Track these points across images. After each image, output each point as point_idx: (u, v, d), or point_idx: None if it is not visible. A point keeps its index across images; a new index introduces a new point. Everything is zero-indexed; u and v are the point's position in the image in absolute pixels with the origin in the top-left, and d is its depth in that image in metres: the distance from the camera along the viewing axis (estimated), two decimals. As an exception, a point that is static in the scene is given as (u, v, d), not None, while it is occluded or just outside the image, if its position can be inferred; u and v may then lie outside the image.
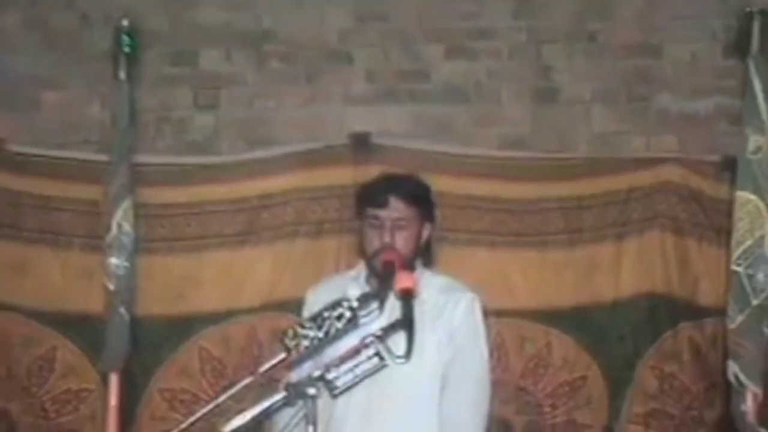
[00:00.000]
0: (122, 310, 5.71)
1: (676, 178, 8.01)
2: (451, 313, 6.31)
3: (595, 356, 8.10)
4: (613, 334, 8.13)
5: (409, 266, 6.07)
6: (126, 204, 5.65)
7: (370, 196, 6.31)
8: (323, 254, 7.74)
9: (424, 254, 6.36)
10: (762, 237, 5.16)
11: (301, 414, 5.43)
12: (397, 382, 6.01)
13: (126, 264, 5.65)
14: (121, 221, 5.65)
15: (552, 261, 8.13)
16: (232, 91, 8.59)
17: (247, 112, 8.59)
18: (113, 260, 5.63)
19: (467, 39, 8.64)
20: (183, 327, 8.01)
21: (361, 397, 6.00)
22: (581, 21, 8.62)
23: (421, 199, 6.32)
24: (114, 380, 5.65)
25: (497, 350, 7.62)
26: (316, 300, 6.15)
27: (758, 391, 5.22)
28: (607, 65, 8.62)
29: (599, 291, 8.10)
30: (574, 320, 8.10)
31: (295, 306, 6.70)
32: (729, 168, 5.79)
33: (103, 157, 5.94)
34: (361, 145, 7.89)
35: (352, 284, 6.19)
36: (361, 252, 6.35)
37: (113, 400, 5.66)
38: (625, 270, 8.13)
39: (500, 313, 7.29)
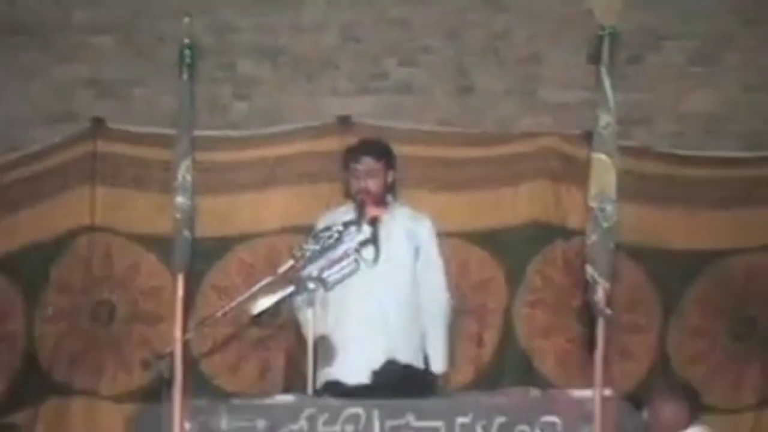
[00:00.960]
0: (186, 232, 5.60)
1: (555, 145, 8.15)
2: (418, 232, 6.54)
3: (501, 263, 8.23)
4: (513, 248, 8.26)
5: (380, 202, 6.42)
6: (187, 162, 5.56)
7: (351, 155, 6.60)
8: (320, 195, 7.75)
9: (390, 191, 6.55)
10: (609, 183, 5.04)
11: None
12: (380, 279, 6.30)
13: (188, 202, 5.54)
14: (185, 173, 5.55)
15: (474, 199, 8.25)
16: (258, 87, 8.72)
17: (267, 102, 8.72)
18: (179, 199, 5.54)
19: (413, 53, 8.77)
20: (226, 244, 8.18)
21: (359, 290, 6.27)
22: (492, 40, 8.71)
23: (385, 156, 6.57)
24: (180, 279, 5.53)
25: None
26: (320, 225, 6.40)
27: (607, 285, 5.10)
28: (508, 70, 8.70)
29: (504, 219, 8.22)
30: (489, 239, 8.24)
31: (301, 230, 7.00)
32: (588, 138, 5.58)
33: (173, 132, 5.78)
34: (344, 123, 8.06)
35: (342, 215, 6.38)
36: (347, 194, 6.63)
37: (180, 292, 5.52)
38: (520, 205, 8.24)
39: (440, 234, 6.93)
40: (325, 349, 6.41)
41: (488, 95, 8.81)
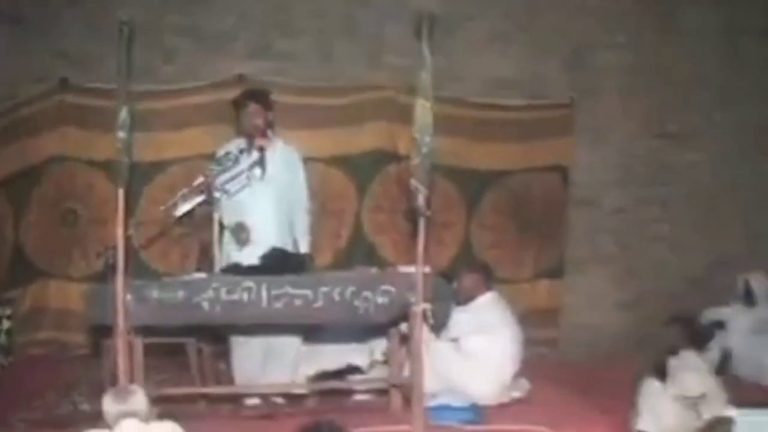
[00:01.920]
0: (125, 158, 6.03)
1: (391, 95, 9.62)
2: (290, 157, 7.65)
3: (352, 180, 9.81)
4: (360, 169, 9.82)
5: (264, 135, 7.50)
6: (125, 107, 5.96)
7: (241, 101, 7.60)
8: (223, 131, 8.49)
9: (270, 127, 7.59)
10: (427, 122, 5.87)
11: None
12: (266, 189, 7.42)
13: (126, 136, 5.95)
14: (124, 116, 5.95)
15: (332, 134, 9.72)
16: (179, 54, 9.76)
17: (186, 65, 9.78)
18: (120, 134, 5.93)
19: (292, 29, 9.98)
20: (159, 167, 9.44)
21: (252, 197, 7.36)
22: (350, 20, 10.00)
23: (265, 99, 7.62)
24: (121, 192, 6.02)
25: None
26: (221, 152, 7.52)
27: (426, 194, 5.92)
28: (360, 41, 10.03)
29: (354, 148, 9.77)
30: (343, 163, 9.77)
31: (210, 156, 7.88)
32: (414, 90, 6.03)
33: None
34: (240, 80, 9.17)
35: (237, 145, 7.50)
36: (240, 130, 7.66)
37: (121, 201, 6.04)
38: (365, 138, 9.79)
39: (308, 159, 8.14)
40: (242, 240, 7.44)
41: (345, 60, 9.98)
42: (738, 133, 10.82)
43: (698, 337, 7.60)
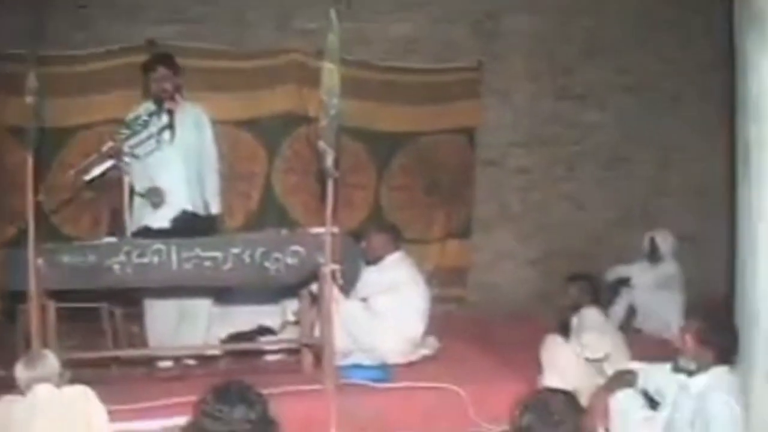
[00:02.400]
0: (33, 123, 6.03)
1: (300, 59, 9.62)
2: (199, 119, 7.67)
3: (262, 142, 9.87)
4: (271, 131, 9.84)
5: (173, 99, 7.48)
6: (33, 73, 5.96)
7: (150, 65, 7.61)
8: (133, 95, 8.26)
9: (179, 91, 7.56)
10: (334, 84, 5.89)
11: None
12: (175, 153, 7.43)
13: (33, 101, 5.95)
14: (32, 81, 5.94)
15: (243, 97, 9.70)
16: (91, 21, 9.56)
17: (98, 32, 9.55)
18: (29, 98, 5.91)
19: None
20: (70, 132, 9.27)
21: (161, 161, 7.38)
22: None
23: (173, 63, 7.58)
24: (30, 158, 5.99)
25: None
26: (131, 116, 7.42)
27: (333, 155, 6.00)
28: (271, 6, 10.01)
29: (264, 111, 9.78)
30: (253, 126, 9.81)
31: (119, 121, 7.69)
32: (322, 54, 6.03)
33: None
34: (151, 45, 9.07)
35: (147, 109, 7.44)
36: (148, 94, 7.60)
37: (30, 167, 6.02)
38: (275, 101, 9.77)
39: (218, 122, 8.11)
40: (155, 202, 7.41)
41: (257, 26, 10.00)
42: (639, 93, 11.12)
43: (598, 294, 7.57)
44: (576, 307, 7.51)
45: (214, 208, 7.87)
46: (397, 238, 8.15)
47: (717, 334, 5.49)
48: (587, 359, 7.04)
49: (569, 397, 4.54)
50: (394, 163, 10.39)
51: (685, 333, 5.55)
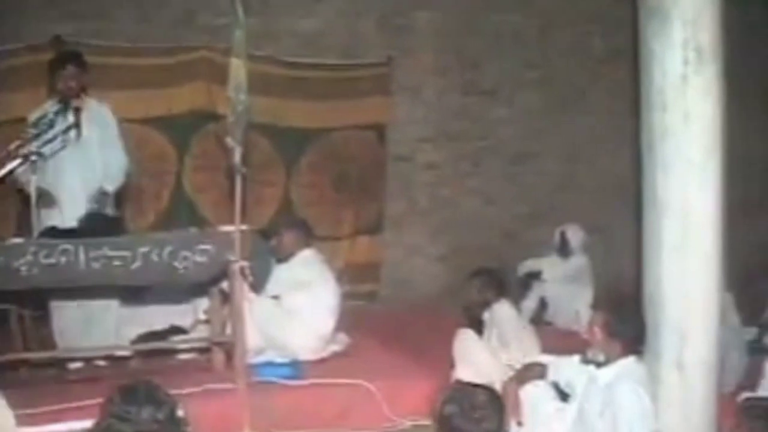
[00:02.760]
0: None
1: (207, 55, 9.52)
2: (105, 117, 7.60)
3: (171, 140, 9.80)
4: (179, 129, 9.79)
5: (79, 97, 7.41)
6: None
7: (57, 63, 7.53)
8: (40, 95, 8.15)
9: (85, 90, 7.48)
10: (241, 80, 5.92)
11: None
12: (81, 151, 7.37)
13: None
14: None
15: (150, 95, 9.59)
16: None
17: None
18: None
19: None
20: None
21: (68, 160, 7.31)
22: None
23: (80, 61, 7.52)
24: None
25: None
26: (37, 115, 7.29)
27: (241, 151, 6.00)
28: (175, 4, 9.88)
29: (172, 109, 9.68)
30: (161, 124, 9.73)
31: (26, 120, 7.40)
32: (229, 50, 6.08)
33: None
34: (57, 41, 8.90)
35: (52, 107, 7.34)
36: (56, 91, 7.48)
37: None
38: (183, 98, 9.69)
39: (125, 120, 8.14)
40: (46, 203, 7.27)
41: (163, 22, 9.86)
42: (546, 87, 11.22)
43: (503, 288, 7.65)
44: (485, 302, 7.52)
45: (121, 207, 7.92)
46: (308, 235, 8.15)
47: (624, 326, 5.56)
48: (498, 351, 7.12)
49: (493, 394, 4.55)
50: (304, 160, 10.37)
51: (593, 325, 5.62)
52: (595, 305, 5.92)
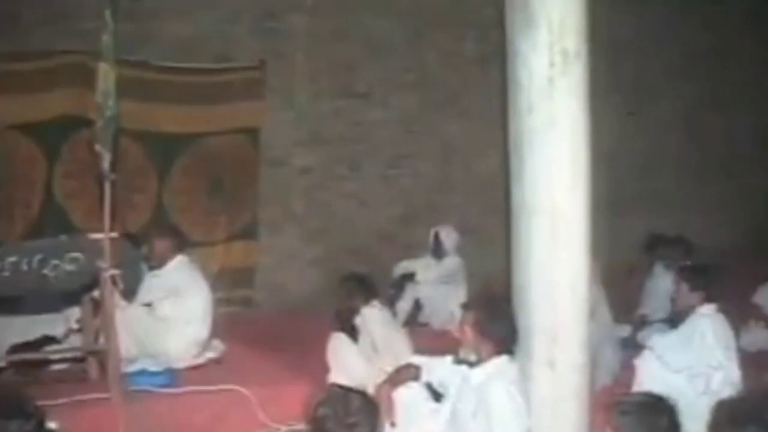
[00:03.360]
0: None
1: (80, 60, 9.21)
2: None
3: (41, 147, 9.58)
4: (50, 136, 9.53)
5: None
6: None
7: None
8: None
9: None
10: (110, 85, 6.09)
11: None
12: None
13: None
14: None
15: (27, 100, 9.36)
16: None
17: None
18: None
19: None
20: None
21: None
22: None
23: None
24: None
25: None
26: None
27: (110, 156, 6.18)
28: (51, 6, 9.62)
29: (45, 114, 9.43)
30: (30, 130, 9.46)
31: None
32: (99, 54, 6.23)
33: None
34: None
35: None
36: None
37: None
38: (53, 104, 9.45)
39: None
40: None
41: (34, 25, 9.55)
42: (421, 90, 11.32)
43: (372, 293, 7.75)
44: (355, 307, 7.60)
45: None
46: (181, 242, 8.24)
47: (494, 325, 5.67)
48: (371, 354, 7.23)
49: (367, 399, 4.53)
50: (177, 165, 10.28)
51: (464, 325, 5.72)
52: (466, 305, 5.97)
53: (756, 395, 2.83)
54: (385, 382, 5.99)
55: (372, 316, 7.53)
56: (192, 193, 10.35)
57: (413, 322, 9.37)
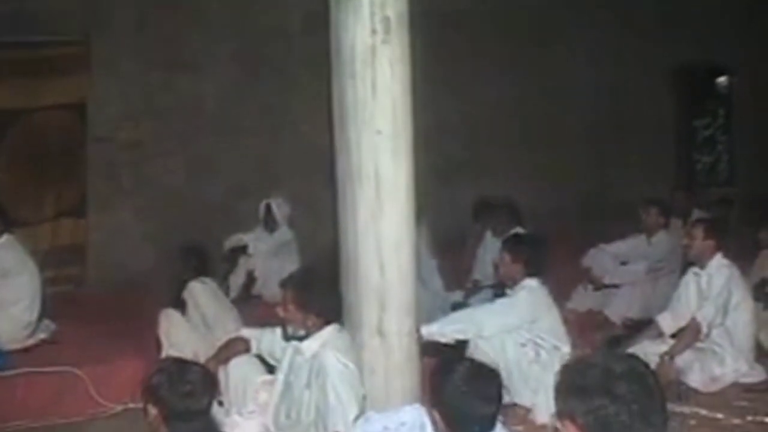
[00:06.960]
0: None
1: None
2: None
3: None
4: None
5: None
6: None
7: None
8: None
9: None
10: None
11: None
12: None
13: None
14: None
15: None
16: None
17: None
18: None
19: None
20: None
21: None
22: None
23: None
24: None
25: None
26: None
27: None
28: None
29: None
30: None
31: None
32: None
33: None
34: None
35: None
36: None
37: None
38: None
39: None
40: None
41: None
42: (246, 63, 11.47)
43: (205, 265, 8.01)
44: (184, 281, 7.77)
45: None
46: (6, 222, 8.12)
47: (314, 298, 5.82)
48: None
49: (207, 373, 4.58)
50: (1, 143, 10.13)
51: (286, 303, 5.85)
52: (284, 283, 6.04)
53: (598, 363, 3.01)
54: (212, 357, 6.11)
55: (198, 290, 7.71)
56: (16, 171, 10.19)
57: (246, 296, 9.60)
